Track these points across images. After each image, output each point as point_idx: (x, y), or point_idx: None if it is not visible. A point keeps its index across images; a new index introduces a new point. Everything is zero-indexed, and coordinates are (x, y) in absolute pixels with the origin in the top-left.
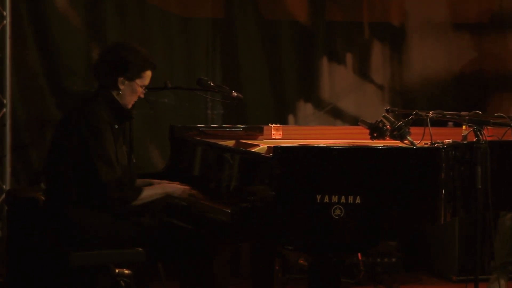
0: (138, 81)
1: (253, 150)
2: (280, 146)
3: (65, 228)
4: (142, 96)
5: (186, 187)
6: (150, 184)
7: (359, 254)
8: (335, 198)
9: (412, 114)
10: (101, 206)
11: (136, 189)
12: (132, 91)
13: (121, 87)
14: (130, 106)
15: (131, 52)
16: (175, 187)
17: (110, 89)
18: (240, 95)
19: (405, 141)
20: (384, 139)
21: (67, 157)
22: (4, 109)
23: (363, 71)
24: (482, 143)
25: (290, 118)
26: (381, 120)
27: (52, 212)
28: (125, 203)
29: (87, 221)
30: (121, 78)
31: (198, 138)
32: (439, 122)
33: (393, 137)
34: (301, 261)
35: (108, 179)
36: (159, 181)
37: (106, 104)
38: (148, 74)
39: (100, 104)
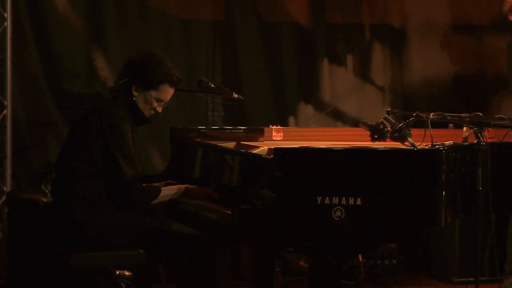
0: (152, 93)
1: (253, 152)
2: (280, 147)
3: (70, 225)
4: (159, 110)
5: (194, 187)
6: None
7: (360, 256)
8: (335, 200)
9: (412, 116)
10: (121, 203)
11: (156, 188)
12: (145, 101)
13: (135, 93)
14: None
15: (153, 62)
16: (187, 187)
17: (125, 93)
18: (240, 96)
19: (405, 143)
20: (384, 140)
21: (84, 154)
22: (5, 111)
23: (363, 73)
24: (483, 144)
25: (291, 119)
26: (381, 122)
27: (59, 210)
28: (147, 201)
29: (94, 219)
30: (136, 85)
31: (199, 140)
32: (439, 124)
33: (394, 139)
34: (302, 263)
35: (132, 177)
36: (166, 181)
37: (125, 106)
38: (165, 89)
39: (120, 105)
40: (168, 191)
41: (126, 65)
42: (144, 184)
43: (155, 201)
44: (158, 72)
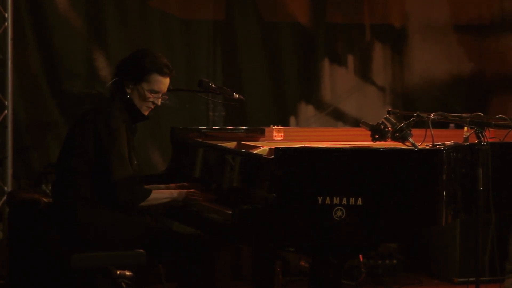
0: (144, 85)
1: (254, 152)
2: (281, 147)
3: (70, 225)
4: (158, 103)
5: (191, 190)
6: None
7: (360, 256)
8: (336, 200)
9: (413, 116)
10: (110, 204)
11: (145, 190)
12: (139, 95)
13: (128, 90)
14: (145, 112)
15: (139, 55)
16: (181, 193)
17: (119, 92)
18: (241, 96)
19: (406, 143)
20: (385, 140)
21: (81, 154)
22: (6, 111)
23: (364, 73)
24: (484, 144)
25: (292, 119)
26: (382, 122)
27: (59, 210)
28: (134, 202)
29: (94, 219)
30: (127, 82)
31: (199, 140)
32: (440, 124)
33: (395, 139)
34: (302, 263)
35: (120, 177)
36: (167, 185)
37: (122, 104)
38: (155, 78)
39: (116, 105)
40: (159, 194)
41: (116, 66)
42: (133, 185)
43: (144, 203)
44: (145, 63)
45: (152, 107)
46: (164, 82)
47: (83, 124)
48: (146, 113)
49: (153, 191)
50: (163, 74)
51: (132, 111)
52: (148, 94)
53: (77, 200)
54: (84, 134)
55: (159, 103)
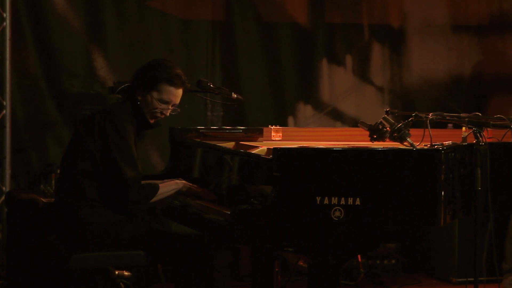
0: (154, 94)
1: (252, 152)
2: (279, 147)
3: (71, 225)
4: (166, 113)
5: (191, 184)
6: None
7: (359, 256)
8: (334, 200)
9: (411, 116)
10: (119, 204)
11: (154, 186)
12: (148, 104)
13: (139, 98)
14: (150, 120)
15: (154, 65)
16: (184, 183)
17: (131, 98)
18: (239, 96)
19: (404, 143)
20: (384, 140)
21: (88, 154)
22: (4, 111)
23: (362, 73)
24: (482, 144)
25: (290, 119)
26: (380, 122)
27: (60, 209)
28: (145, 200)
29: (94, 219)
30: (139, 89)
31: (198, 140)
32: (439, 124)
33: (393, 139)
34: (301, 263)
35: (130, 178)
36: (162, 181)
37: (131, 110)
38: (165, 88)
39: (127, 109)
40: (166, 187)
41: (134, 73)
42: (142, 185)
43: (155, 198)
44: (157, 72)
45: (161, 117)
46: (175, 93)
47: (90, 125)
48: (152, 121)
49: (160, 184)
50: (173, 84)
51: (140, 118)
52: (156, 104)
53: (78, 200)
54: (91, 135)
55: (168, 114)
